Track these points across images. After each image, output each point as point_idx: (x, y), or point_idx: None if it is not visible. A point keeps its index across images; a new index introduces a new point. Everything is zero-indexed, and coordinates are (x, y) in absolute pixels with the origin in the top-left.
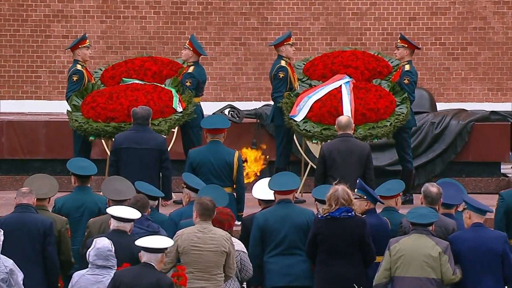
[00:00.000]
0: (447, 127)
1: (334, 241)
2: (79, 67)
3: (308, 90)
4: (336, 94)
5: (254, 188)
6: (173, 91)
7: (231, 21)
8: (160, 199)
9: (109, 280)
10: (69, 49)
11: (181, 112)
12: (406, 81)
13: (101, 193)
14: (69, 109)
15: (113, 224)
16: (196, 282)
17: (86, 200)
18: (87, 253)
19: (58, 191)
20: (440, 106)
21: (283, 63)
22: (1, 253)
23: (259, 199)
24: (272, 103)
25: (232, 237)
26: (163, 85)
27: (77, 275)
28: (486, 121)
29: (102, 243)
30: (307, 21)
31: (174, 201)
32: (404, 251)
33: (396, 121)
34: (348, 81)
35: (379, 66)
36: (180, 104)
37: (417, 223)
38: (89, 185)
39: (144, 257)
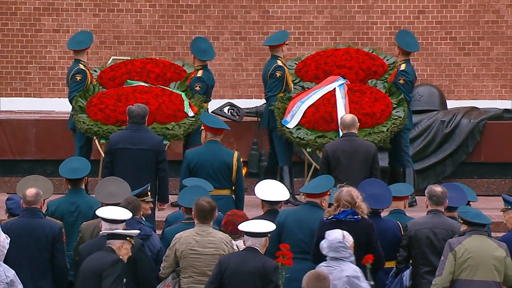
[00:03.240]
0: (458, 126)
1: None
2: (82, 66)
3: (301, 94)
4: (329, 98)
5: (257, 189)
6: (183, 95)
7: (231, 14)
8: (156, 202)
9: (340, 272)
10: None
11: (193, 117)
12: (401, 81)
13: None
14: (73, 110)
15: (105, 226)
16: (197, 287)
17: (80, 203)
18: (321, 245)
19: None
20: (451, 104)
21: (279, 62)
22: (7, 261)
23: (262, 200)
24: (264, 101)
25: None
26: (169, 88)
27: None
28: (499, 119)
29: (334, 235)
30: (310, 15)
31: (172, 204)
32: (472, 253)
33: (393, 125)
34: (342, 83)
35: (374, 66)
36: (190, 108)
37: (478, 223)
38: (82, 187)
39: (248, 241)
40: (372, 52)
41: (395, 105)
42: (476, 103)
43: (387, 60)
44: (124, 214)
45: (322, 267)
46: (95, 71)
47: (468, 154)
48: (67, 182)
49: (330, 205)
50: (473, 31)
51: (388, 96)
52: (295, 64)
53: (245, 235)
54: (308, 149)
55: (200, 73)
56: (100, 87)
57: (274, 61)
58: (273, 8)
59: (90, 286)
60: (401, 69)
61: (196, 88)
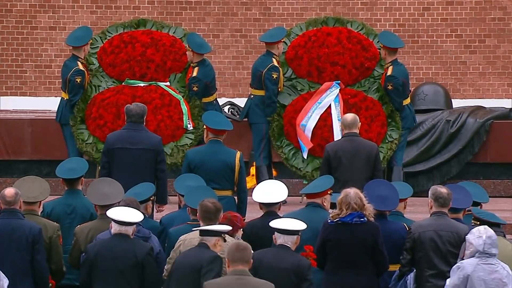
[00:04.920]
0: (464, 125)
1: (344, 248)
2: (80, 65)
3: (298, 116)
4: (326, 118)
5: (255, 191)
6: (181, 103)
7: (231, 11)
8: (155, 203)
9: (503, 269)
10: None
11: (192, 133)
12: (389, 87)
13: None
14: (63, 105)
15: (114, 228)
16: None
17: (77, 205)
18: (476, 242)
19: None
20: (456, 103)
21: (275, 62)
22: None
23: (260, 203)
24: (247, 98)
25: None
26: (167, 84)
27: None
28: (506, 119)
29: (488, 231)
30: (313, 12)
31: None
32: None
33: (389, 150)
34: (337, 96)
35: (366, 60)
36: (190, 121)
37: (495, 222)
38: (79, 188)
39: (280, 239)
40: (361, 31)
41: (389, 119)
42: (482, 102)
43: (378, 42)
44: (135, 216)
45: (481, 265)
46: (95, 39)
47: (474, 154)
48: (64, 183)
49: (333, 204)
50: (479, 28)
51: (381, 105)
52: (286, 45)
53: (276, 233)
54: (305, 182)
55: (195, 72)
56: (100, 69)
57: (269, 59)
58: (275, 5)
59: (188, 283)
60: (388, 74)
61: (193, 89)
